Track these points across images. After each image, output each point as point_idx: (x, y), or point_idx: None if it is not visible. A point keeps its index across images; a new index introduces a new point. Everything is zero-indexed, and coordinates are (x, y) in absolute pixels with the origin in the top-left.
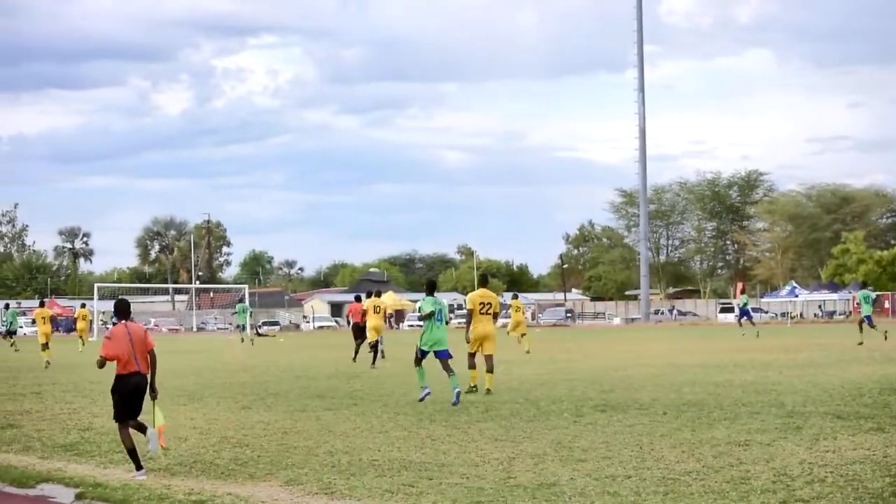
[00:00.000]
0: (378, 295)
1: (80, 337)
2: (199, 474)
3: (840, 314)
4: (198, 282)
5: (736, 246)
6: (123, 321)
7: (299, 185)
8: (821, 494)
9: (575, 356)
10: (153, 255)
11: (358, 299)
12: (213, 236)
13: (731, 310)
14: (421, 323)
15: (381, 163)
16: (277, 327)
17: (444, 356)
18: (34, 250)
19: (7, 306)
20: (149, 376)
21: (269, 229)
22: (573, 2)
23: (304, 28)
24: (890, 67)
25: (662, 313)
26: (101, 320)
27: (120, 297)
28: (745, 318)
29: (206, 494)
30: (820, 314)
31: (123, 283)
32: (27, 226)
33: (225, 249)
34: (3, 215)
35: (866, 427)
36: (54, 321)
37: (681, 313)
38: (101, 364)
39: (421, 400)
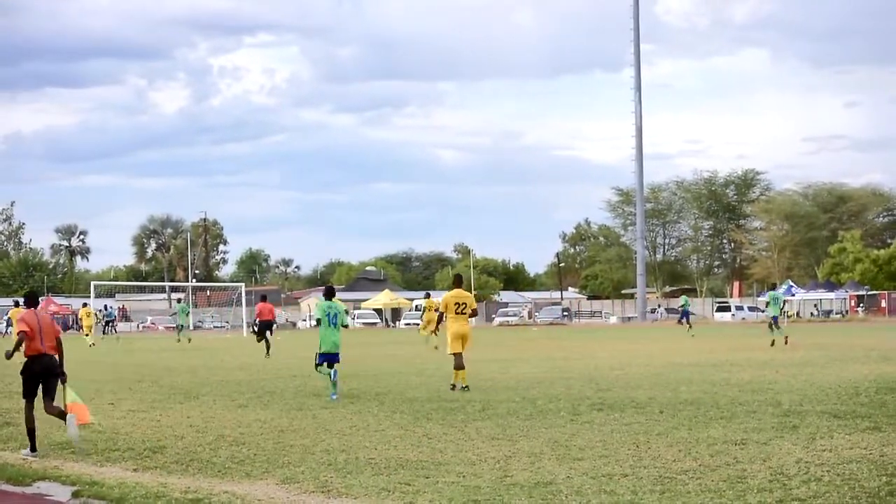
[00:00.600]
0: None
1: (87, 334)
2: (196, 472)
3: (836, 313)
4: (194, 280)
5: (733, 245)
6: (33, 308)
7: (296, 183)
8: (817, 493)
9: (572, 355)
10: (150, 253)
11: (263, 298)
12: (210, 234)
13: (727, 308)
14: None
15: (377, 162)
16: (274, 325)
17: (333, 359)
18: (31, 248)
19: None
20: (57, 359)
21: (265, 228)
22: (570, 1)
23: (301, 27)
24: (887, 67)
25: (658, 312)
26: (96, 318)
27: (30, 289)
28: (685, 318)
29: (203, 493)
30: (816, 313)
31: (120, 281)
32: (24, 224)
33: (221, 248)
34: None
35: (863, 426)
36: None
37: (675, 312)
38: (13, 352)
39: (333, 395)
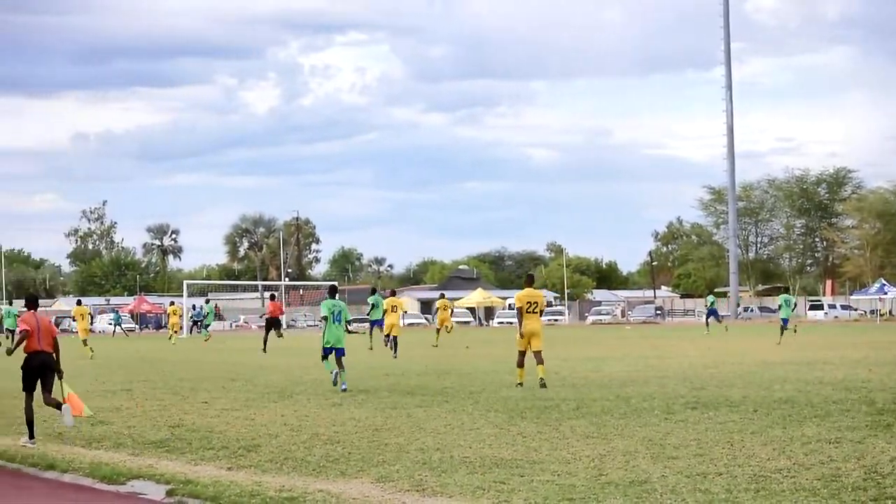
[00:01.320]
0: (393, 294)
1: (174, 332)
2: (291, 471)
3: None
4: (287, 279)
5: (825, 243)
6: (33, 311)
7: (387, 182)
8: None
9: (665, 353)
10: (242, 252)
11: (273, 297)
12: (302, 233)
13: (820, 307)
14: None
15: (469, 160)
16: (367, 324)
17: (339, 354)
18: (123, 247)
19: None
20: (54, 356)
21: (357, 226)
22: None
23: (392, 25)
24: None
25: (752, 311)
26: (191, 317)
27: (30, 291)
28: (713, 317)
29: (298, 491)
30: None
31: (212, 279)
32: (116, 223)
33: (314, 246)
34: (91, 212)
35: None
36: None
37: (769, 310)
38: (14, 349)
39: (334, 383)
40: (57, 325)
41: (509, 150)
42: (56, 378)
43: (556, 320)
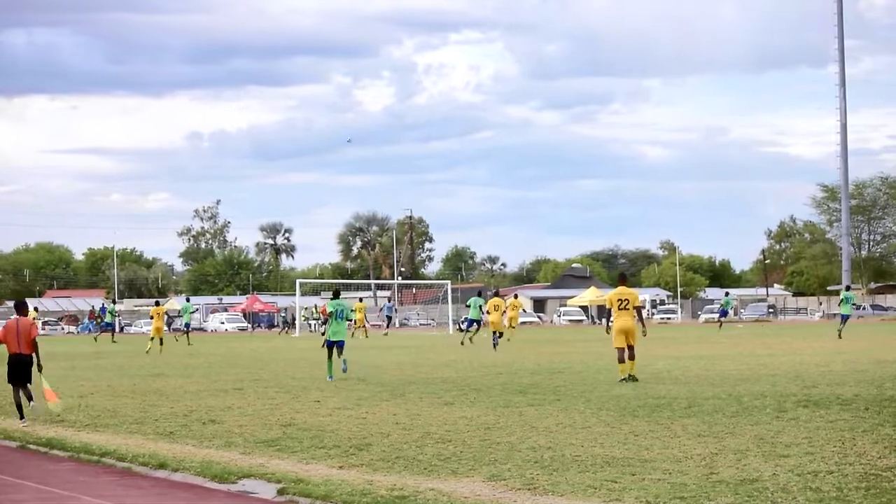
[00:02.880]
0: (497, 294)
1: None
2: (402, 470)
3: None
4: (400, 278)
5: None
6: (16, 317)
7: (502, 180)
8: None
9: (776, 352)
10: (355, 250)
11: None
12: (416, 232)
13: None
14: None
15: (583, 158)
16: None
17: (340, 345)
18: (236, 246)
19: (188, 299)
20: (34, 356)
21: (471, 225)
22: None
23: (506, 23)
24: None
25: (864, 309)
26: (304, 316)
27: (18, 299)
28: (722, 316)
29: (409, 490)
30: None
31: (325, 279)
32: (229, 222)
33: (427, 245)
34: (204, 211)
35: None
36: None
37: (881, 308)
38: None
39: (344, 369)
40: (169, 324)
41: (623, 147)
42: (38, 372)
43: (668, 318)
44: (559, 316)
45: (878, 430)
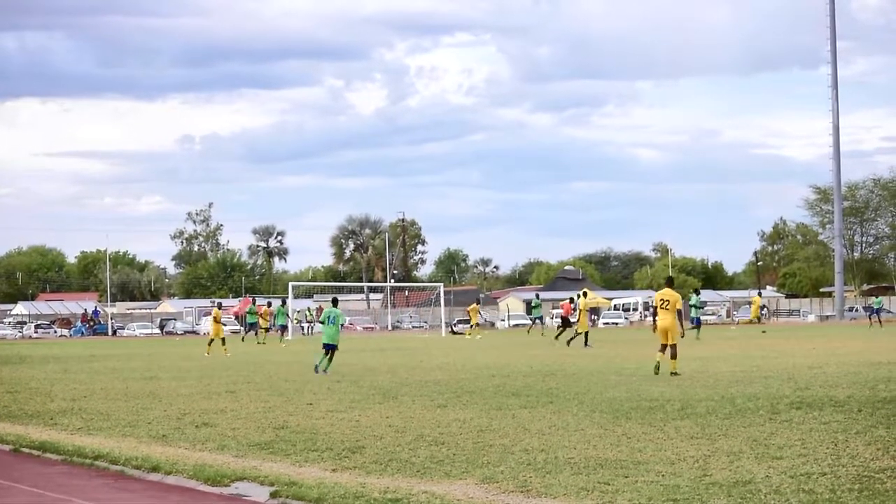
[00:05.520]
0: (586, 295)
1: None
2: (395, 472)
3: None
4: (393, 280)
5: None
6: None
7: (494, 183)
8: None
9: (770, 353)
10: (348, 253)
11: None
12: (408, 234)
13: None
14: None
15: (575, 161)
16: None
17: (330, 348)
18: (228, 249)
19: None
20: None
21: (464, 227)
22: None
23: (498, 26)
24: None
25: (857, 310)
26: (296, 319)
27: None
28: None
29: (402, 492)
30: None
31: (318, 281)
32: (221, 225)
33: (420, 248)
34: (197, 214)
35: None
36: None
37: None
38: None
39: (315, 371)
40: (162, 327)
41: (616, 150)
42: None
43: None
44: (552, 318)
45: (872, 431)
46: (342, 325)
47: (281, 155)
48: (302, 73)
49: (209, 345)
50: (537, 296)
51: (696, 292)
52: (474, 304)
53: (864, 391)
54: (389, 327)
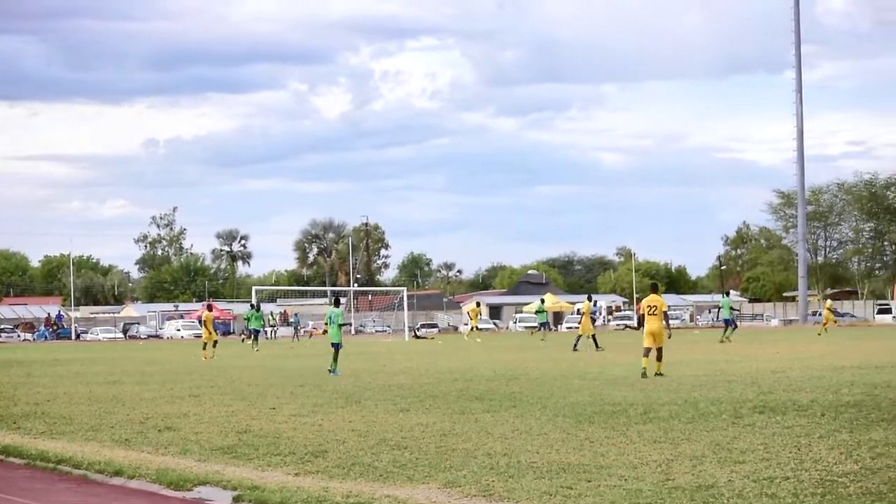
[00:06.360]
0: (543, 302)
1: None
2: (358, 476)
3: None
4: (356, 284)
5: (894, 247)
6: None
7: (458, 187)
8: None
9: (733, 357)
10: (311, 257)
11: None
12: (372, 239)
13: (888, 311)
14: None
15: (539, 165)
16: (436, 329)
17: (335, 347)
18: (192, 253)
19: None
20: None
21: (427, 231)
22: (729, 2)
23: (463, 30)
24: None
25: (820, 315)
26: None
27: None
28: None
29: (365, 497)
30: None
31: (281, 285)
32: (185, 229)
33: (383, 252)
34: (161, 218)
35: None
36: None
37: (838, 314)
38: None
39: (335, 371)
40: (125, 331)
41: (580, 153)
42: None
43: (625, 325)
44: (515, 322)
45: (835, 435)
46: (340, 325)
47: (245, 159)
48: (268, 77)
49: (204, 349)
50: (542, 301)
51: (727, 294)
52: (474, 306)
53: (827, 395)
54: (353, 331)
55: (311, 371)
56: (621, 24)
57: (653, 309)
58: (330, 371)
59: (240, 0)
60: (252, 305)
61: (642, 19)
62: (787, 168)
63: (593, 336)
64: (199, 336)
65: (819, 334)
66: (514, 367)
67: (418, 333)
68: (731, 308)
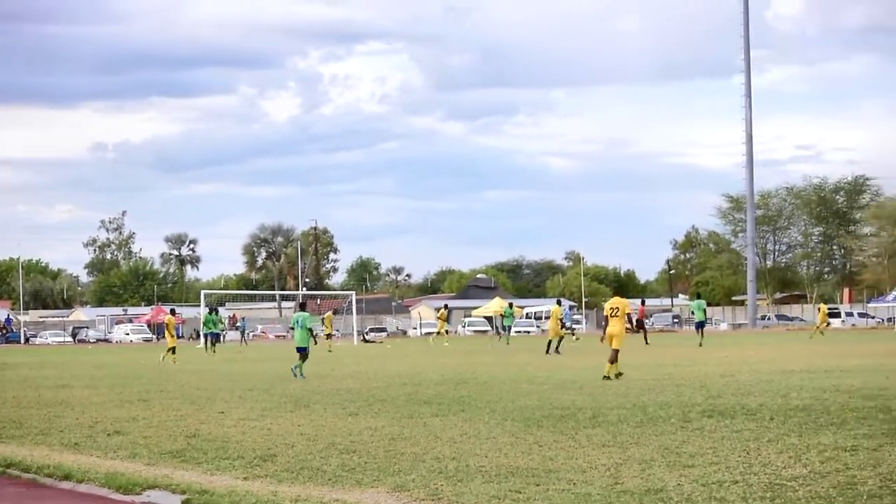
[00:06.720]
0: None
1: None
2: (307, 480)
3: None
4: (305, 288)
5: (843, 251)
6: None
7: (407, 191)
8: None
9: (682, 361)
10: (260, 261)
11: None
12: (321, 243)
13: (837, 315)
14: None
15: (488, 169)
16: (385, 334)
17: (302, 351)
18: (141, 257)
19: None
20: None
21: (376, 235)
22: (679, 7)
23: (411, 35)
24: None
25: (769, 319)
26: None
27: None
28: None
29: (314, 501)
30: None
31: (230, 289)
32: (134, 233)
33: (332, 256)
34: (110, 222)
35: None
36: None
37: (787, 318)
38: None
39: (294, 375)
40: (74, 335)
41: (528, 158)
42: None
43: (573, 329)
44: (464, 326)
45: (784, 439)
46: (310, 328)
47: (194, 163)
48: (215, 81)
49: (173, 353)
50: (511, 305)
51: (698, 296)
52: (443, 310)
53: (776, 399)
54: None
55: (260, 375)
56: (569, 29)
57: (615, 311)
58: (293, 371)
59: (188, 3)
60: (212, 310)
61: (592, 24)
62: (736, 172)
63: (560, 339)
64: (147, 340)
65: (811, 336)
66: (463, 371)
67: (367, 337)
68: (705, 311)
